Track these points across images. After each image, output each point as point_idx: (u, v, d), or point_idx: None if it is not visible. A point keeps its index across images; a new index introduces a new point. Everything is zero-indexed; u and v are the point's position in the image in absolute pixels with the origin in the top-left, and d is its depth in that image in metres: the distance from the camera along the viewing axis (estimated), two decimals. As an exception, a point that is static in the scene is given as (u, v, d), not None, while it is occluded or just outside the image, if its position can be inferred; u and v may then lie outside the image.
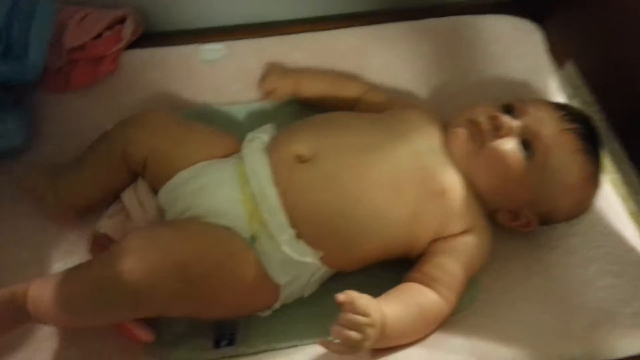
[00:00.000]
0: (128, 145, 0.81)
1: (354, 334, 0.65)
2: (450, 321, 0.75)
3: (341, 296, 0.66)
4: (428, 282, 0.74)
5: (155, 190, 0.82)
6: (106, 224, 0.80)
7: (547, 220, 0.82)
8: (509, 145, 0.78)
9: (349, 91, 0.95)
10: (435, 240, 0.78)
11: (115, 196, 0.84)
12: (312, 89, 0.95)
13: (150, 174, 0.82)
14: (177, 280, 0.68)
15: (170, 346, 0.75)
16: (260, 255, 0.74)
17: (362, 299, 0.67)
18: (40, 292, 0.70)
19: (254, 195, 0.76)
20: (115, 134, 0.83)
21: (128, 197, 0.82)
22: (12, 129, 0.86)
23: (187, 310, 0.73)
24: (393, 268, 0.79)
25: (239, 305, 0.75)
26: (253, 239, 0.75)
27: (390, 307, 0.70)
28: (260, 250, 0.75)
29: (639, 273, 0.78)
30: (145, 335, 0.73)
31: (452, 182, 0.78)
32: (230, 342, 0.75)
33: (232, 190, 0.77)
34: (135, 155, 0.82)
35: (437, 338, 0.73)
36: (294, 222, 0.75)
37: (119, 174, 0.83)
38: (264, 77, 0.95)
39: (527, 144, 0.78)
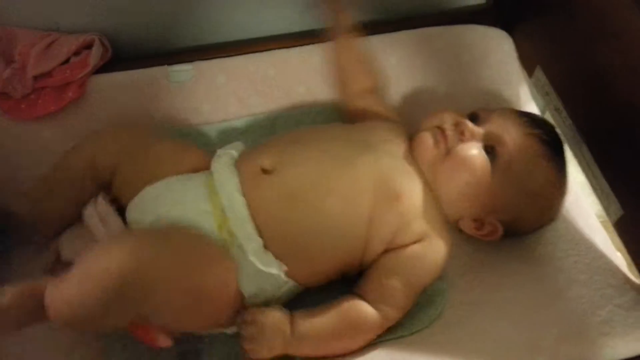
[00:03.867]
0: (97, 154, 0.82)
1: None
2: (417, 337, 0.75)
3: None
4: (365, 298, 0.75)
5: (120, 203, 0.81)
6: (70, 249, 0.78)
7: (512, 229, 0.81)
8: (473, 149, 0.79)
9: (359, 82, 0.93)
10: (385, 252, 0.77)
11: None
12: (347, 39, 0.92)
13: (118, 186, 0.82)
14: (171, 282, 0.66)
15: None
16: None
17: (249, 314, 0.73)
18: (53, 290, 0.66)
19: (223, 206, 0.76)
20: (85, 143, 0.84)
21: (88, 214, 0.79)
22: None
23: (175, 317, 0.70)
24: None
25: (211, 313, 0.73)
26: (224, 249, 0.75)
27: (303, 314, 0.74)
28: None
29: (605, 280, 0.77)
30: (163, 340, 0.71)
31: (409, 186, 0.78)
32: (197, 357, 0.75)
33: (200, 202, 0.77)
34: (103, 165, 0.82)
35: (403, 355, 0.72)
36: (260, 232, 0.75)
37: (85, 185, 0.82)
38: None
39: (490, 149, 0.79)
